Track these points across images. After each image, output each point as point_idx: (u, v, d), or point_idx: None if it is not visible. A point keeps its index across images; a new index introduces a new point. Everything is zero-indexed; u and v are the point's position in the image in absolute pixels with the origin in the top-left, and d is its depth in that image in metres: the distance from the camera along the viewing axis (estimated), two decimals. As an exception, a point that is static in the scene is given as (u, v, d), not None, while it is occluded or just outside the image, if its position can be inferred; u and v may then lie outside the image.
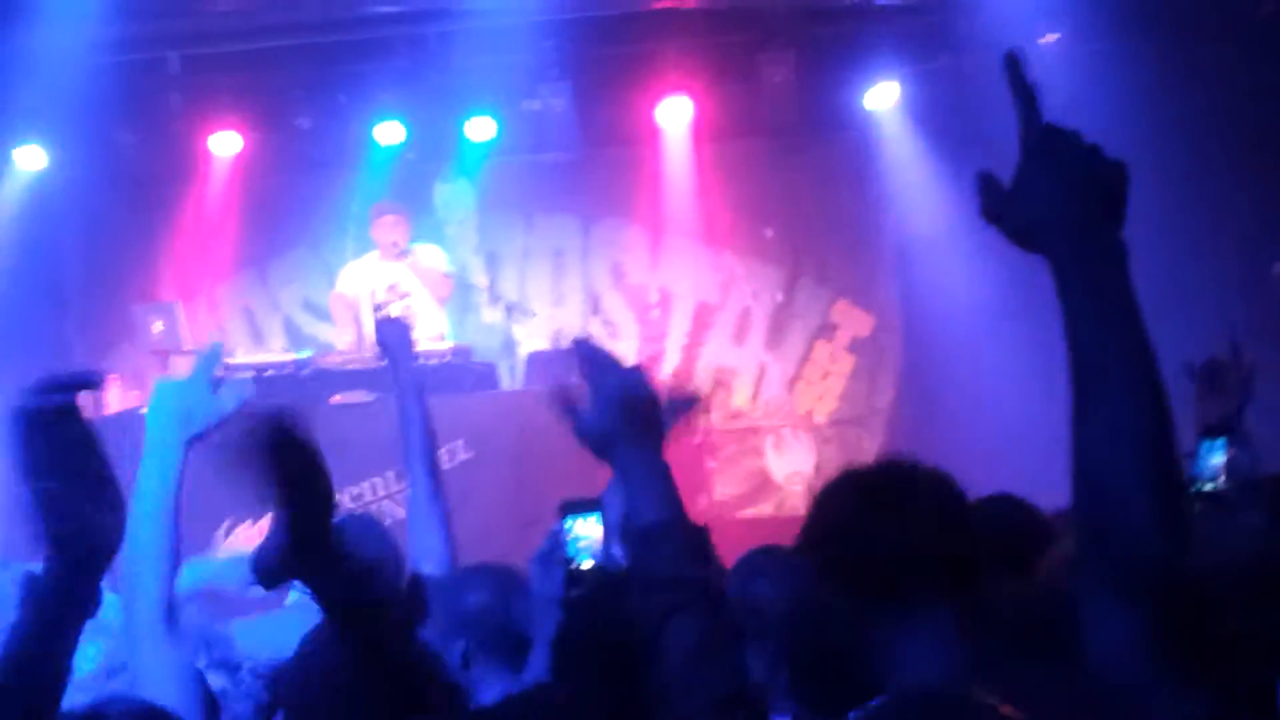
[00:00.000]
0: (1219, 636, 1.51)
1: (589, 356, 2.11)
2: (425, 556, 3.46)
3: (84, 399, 1.80)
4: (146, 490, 2.35)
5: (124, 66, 8.64)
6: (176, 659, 2.27)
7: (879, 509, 1.89)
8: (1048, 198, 1.57)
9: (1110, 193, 1.57)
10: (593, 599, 2.19)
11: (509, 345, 8.60)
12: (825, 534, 1.95)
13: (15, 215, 9.30)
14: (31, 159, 9.26)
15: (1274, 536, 2.36)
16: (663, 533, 2.00)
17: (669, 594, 1.96)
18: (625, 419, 2.05)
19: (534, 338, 9.37)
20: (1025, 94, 1.65)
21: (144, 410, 2.45)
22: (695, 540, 2.03)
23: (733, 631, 2.03)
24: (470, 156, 9.52)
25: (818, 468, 8.99)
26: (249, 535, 3.98)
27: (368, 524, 3.69)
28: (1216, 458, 2.88)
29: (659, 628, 1.94)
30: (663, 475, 2.05)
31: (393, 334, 3.94)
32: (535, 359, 8.77)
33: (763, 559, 2.93)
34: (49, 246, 9.65)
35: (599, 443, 2.07)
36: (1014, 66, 1.62)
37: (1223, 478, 2.83)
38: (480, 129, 9.27)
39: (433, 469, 3.59)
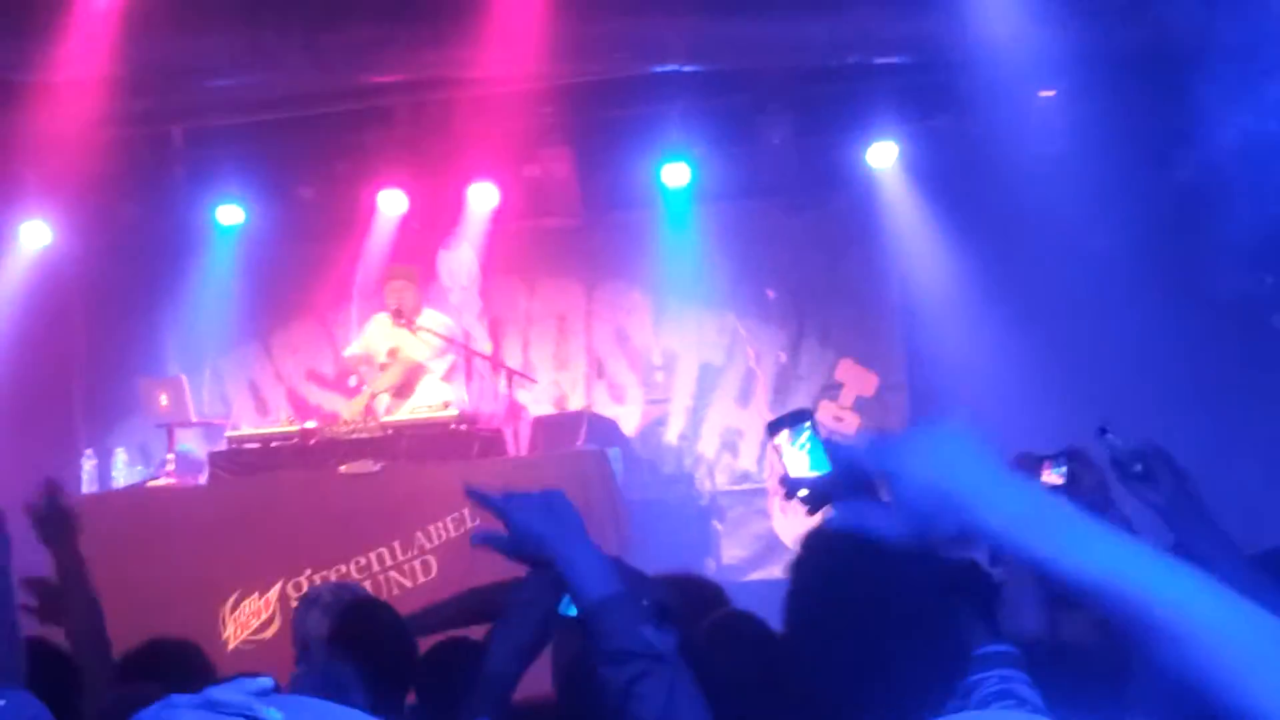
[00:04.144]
0: None
1: (488, 499, 2.23)
2: None
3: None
4: None
5: (127, 141, 8.72)
6: None
7: None
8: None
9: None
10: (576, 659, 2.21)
11: (513, 411, 8.60)
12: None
13: (21, 291, 9.35)
14: (36, 235, 9.33)
15: None
16: (611, 607, 2.07)
17: (628, 665, 2.02)
18: (550, 521, 2.16)
19: (539, 403, 9.38)
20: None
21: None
22: (651, 609, 2.13)
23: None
24: (473, 223, 9.56)
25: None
26: (255, 609, 3.98)
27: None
28: None
29: (625, 696, 2.01)
30: (598, 556, 2.15)
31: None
32: (541, 424, 8.77)
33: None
34: (55, 320, 9.69)
35: (532, 550, 2.18)
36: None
37: None
38: (483, 196, 9.33)
39: None
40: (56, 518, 3.80)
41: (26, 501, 3.78)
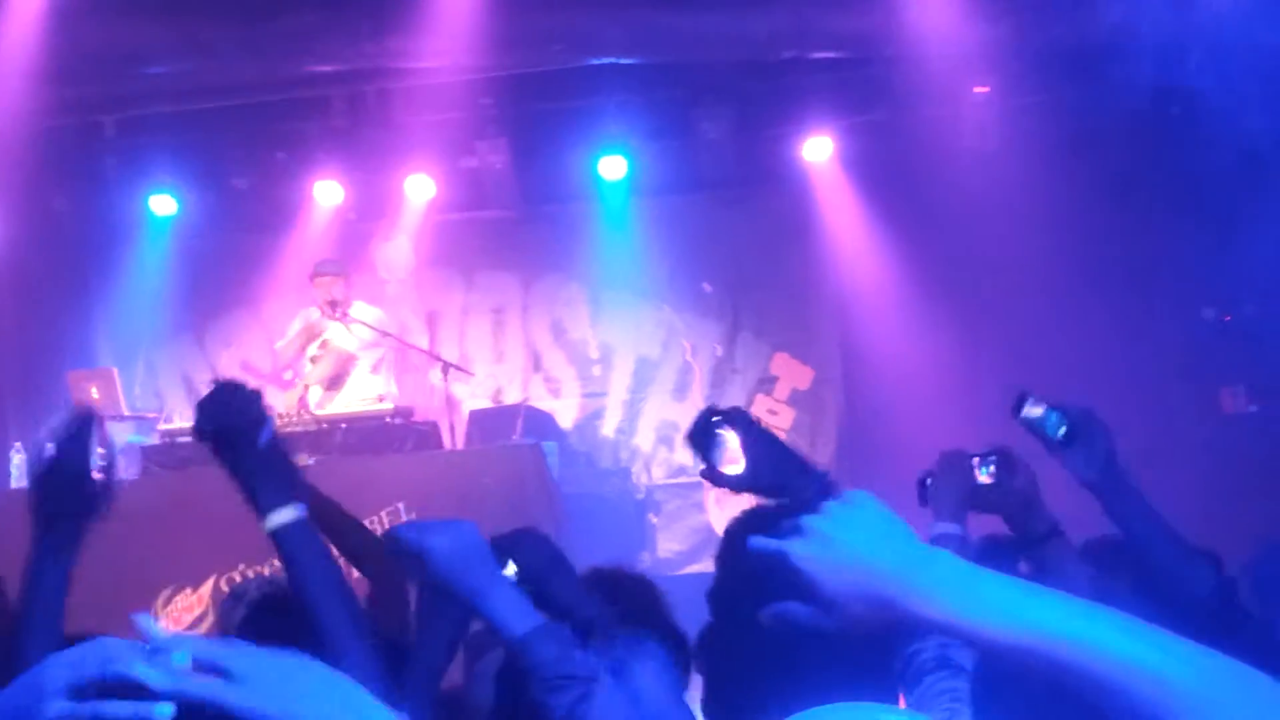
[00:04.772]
0: None
1: (402, 546, 2.20)
2: None
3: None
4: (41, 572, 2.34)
5: (58, 131, 8.59)
6: None
7: None
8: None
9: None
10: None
11: (449, 404, 8.57)
12: None
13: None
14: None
15: None
16: (538, 639, 2.07)
17: (567, 691, 2.03)
18: (458, 561, 2.15)
19: (475, 396, 9.35)
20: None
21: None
22: (578, 631, 2.13)
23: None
24: (409, 215, 9.52)
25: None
26: (188, 604, 3.94)
27: None
28: None
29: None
30: (512, 590, 2.15)
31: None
32: (476, 417, 8.75)
33: None
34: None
35: (445, 589, 2.17)
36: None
37: None
38: (419, 187, 9.29)
39: None
40: None
41: None
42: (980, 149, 8.46)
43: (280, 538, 2.22)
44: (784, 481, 2.29)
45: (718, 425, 2.33)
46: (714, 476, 2.33)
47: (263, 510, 2.22)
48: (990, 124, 8.49)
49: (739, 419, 2.33)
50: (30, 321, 9.78)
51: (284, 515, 2.22)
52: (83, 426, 2.31)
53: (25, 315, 9.78)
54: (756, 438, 2.33)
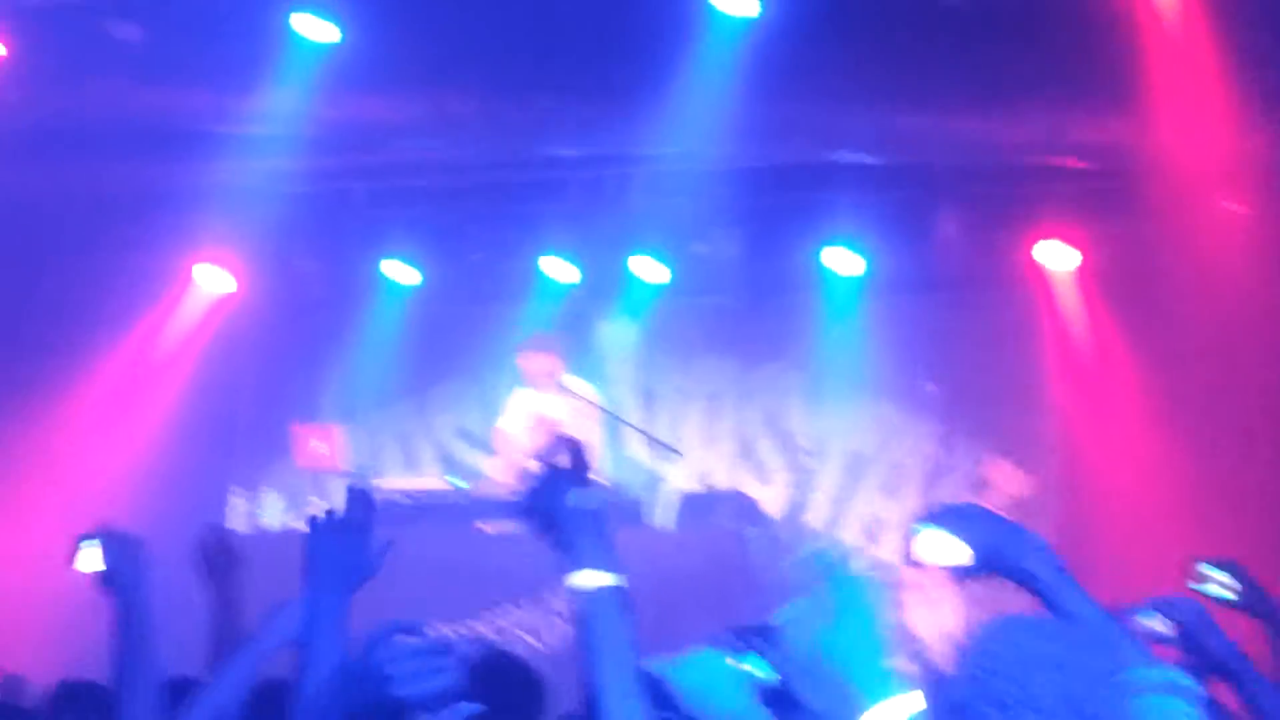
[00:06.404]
0: None
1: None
2: None
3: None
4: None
5: (311, 197, 8.98)
6: None
7: None
8: None
9: None
10: None
11: (656, 483, 8.59)
12: None
13: (198, 331, 9.70)
14: (215, 279, 9.69)
15: None
16: None
17: None
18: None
19: (683, 478, 9.36)
20: None
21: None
22: None
23: None
24: (637, 296, 9.65)
25: (965, 626, 8.71)
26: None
27: None
28: None
29: None
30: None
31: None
32: (684, 499, 8.74)
33: None
34: (224, 361, 9.98)
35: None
36: None
37: None
38: (649, 269, 9.41)
39: None
40: (222, 555, 3.91)
41: (197, 536, 3.89)
42: (1230, 265, 8.15)
43: (586, 600, 2.19)
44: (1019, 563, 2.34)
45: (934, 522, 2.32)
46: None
47: (576, 568, 2.20)
48: (1240, 240, 8.18)
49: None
50: (263, 372, 10.19)
51: (598, 579, 2.19)
52: (366, 499, 2.55)
53: (259, 365, 10.20)
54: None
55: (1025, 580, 2.32)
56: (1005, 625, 1.94)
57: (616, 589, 2.17)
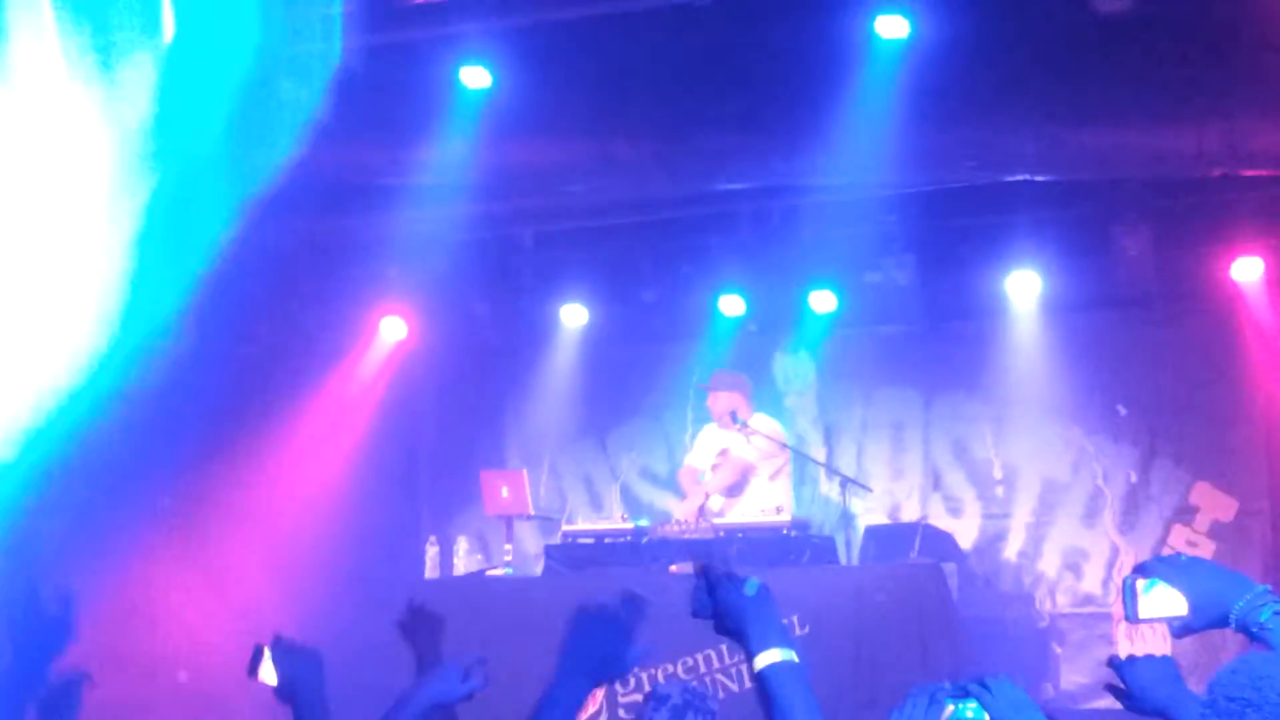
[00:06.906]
0: None
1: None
2: None
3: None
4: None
5: (482, 243, 9.10)
6: None
7: None
8: None
9: None
10: None
11: (846, 518, 8.46)
12: None
13: (379, 380, 9.87)
14: (394, 329, 9.87)
15: None
16: None
17: None
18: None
19: (872, 512, 9.21)
20: None
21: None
22: None
23: None
24: (811, 328, 9.54)
25: (1175, 659, 8.36)
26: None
27: None
28: None
29: None
30: None
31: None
32: (873, 533, 8.59)
33: None
34: (407, 410, 10.15)
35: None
36: None
37: None
38: (822, 301, 9.30)
39: None
40: (420, 617, 4.01)
41: (397, 619, 4.01)
42: None
43: (767, 676, 2.39)
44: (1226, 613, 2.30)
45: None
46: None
47: (754, 652, 2.42)
48: None
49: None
50: (446, 420, 10.35)
51: (774, 656, 2.40)
52: (639, 605, 2.71)
53: (443, 414, 10.36)
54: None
55: (1243, 630, 2.23)
56: (1243, 659, 2.07)
57: (794, 664, 2.40)
